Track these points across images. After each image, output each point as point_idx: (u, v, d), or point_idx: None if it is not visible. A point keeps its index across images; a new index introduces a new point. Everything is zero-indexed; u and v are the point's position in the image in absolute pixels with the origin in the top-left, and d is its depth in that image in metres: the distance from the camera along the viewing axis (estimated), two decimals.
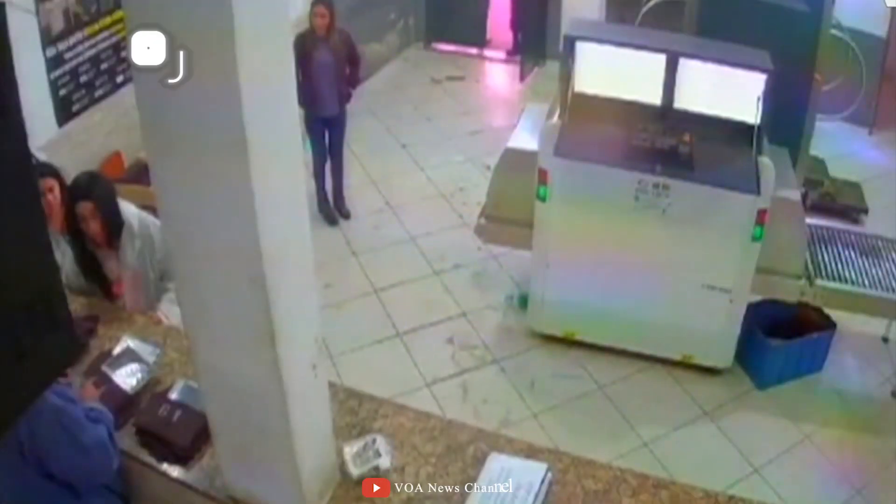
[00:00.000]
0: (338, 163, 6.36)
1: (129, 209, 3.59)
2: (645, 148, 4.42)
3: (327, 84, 5.90)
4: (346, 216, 6.38)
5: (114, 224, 3.51)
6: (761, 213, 4.37)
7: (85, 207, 3.43)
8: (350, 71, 6.11)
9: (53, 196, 3.53)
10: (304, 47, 5.66)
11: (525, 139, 4.83)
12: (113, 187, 3.63)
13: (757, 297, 4.83)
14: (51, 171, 3.62)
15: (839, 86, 7.06)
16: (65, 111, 5.29)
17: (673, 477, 3.55)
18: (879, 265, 4.88)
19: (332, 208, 6.37)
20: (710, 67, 4.41)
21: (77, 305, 3.43)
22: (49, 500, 2.58)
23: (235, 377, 2.41)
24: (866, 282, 4.73)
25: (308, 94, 5.71)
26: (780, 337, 4.83)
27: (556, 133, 4.49)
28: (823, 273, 4.75)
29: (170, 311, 3.51)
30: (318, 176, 6.28)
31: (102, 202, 3.46)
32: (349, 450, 2.74)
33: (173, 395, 2.95)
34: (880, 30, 7.26)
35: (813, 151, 6.07)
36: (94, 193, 3.45)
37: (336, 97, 6.02)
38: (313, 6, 5.79)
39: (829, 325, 4.92)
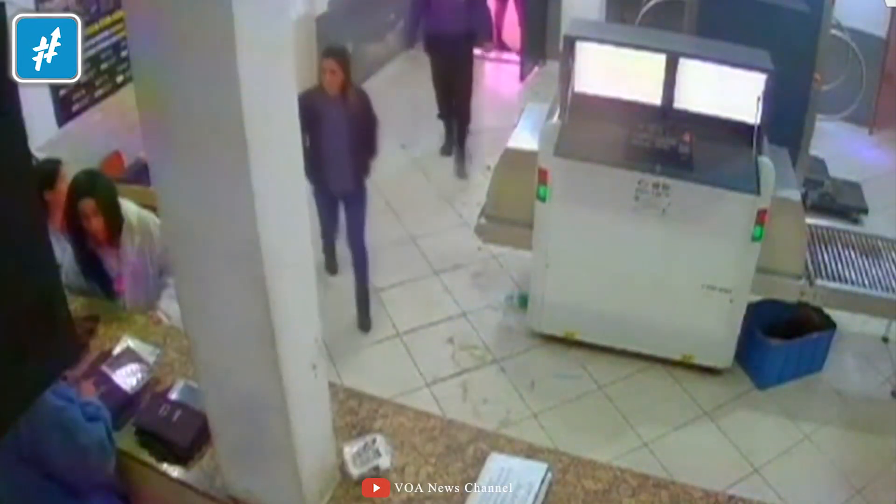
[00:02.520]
0: (359, 252, 5.21)
1: (127, 206, 3.60)
2: (645, 148, 4.42)
3: (340, 153, 4.83)
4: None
5: (115, 221, 3.51)
6: (761, 213, 4.37)
7: (87, 205, 3.43)
8: (367, 138, 5.00)
9: (65, 185, 3.53)
10: (312, 107, 4.47)
11: (525, 139, 4.82)
12: (113, 184, 3.64)
13: (757, 297, 4.83)
14: (59, 163, 3.65)
15: (839, 86, 7.06)
16: (65, 111, 5.29)
17: (673, 477, 3.55)
18: (879, 265, 4.88)
19: (336, 258, 5.56)
20: (710, 67, 4.41)
21: (77, 305, 3.43)
22: (49, 500, 2.58)
23: (235, 377, 2.41)
24: (866, 282, 4.73)
25: (315, 166, 4.56)
26: (780, 337, 4.83)
27: (556, 133, 4.49)
28: (823, 273, 4.75)
29: (169, 308, 3.51)
30: (327, 246, 5.48)
31: (104, 199, 3.47)
32: (349, 450, 2.74)
33: (173, 395, 2.95)
34: (880, 30, 7.25)
35: (813, 151, 6.09)
36: (95, 191, 3.46)
37: (351, 170, 4.93)
38: (322, 59, 4.79)
39: (829, 325, 4.92)
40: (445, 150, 7.12)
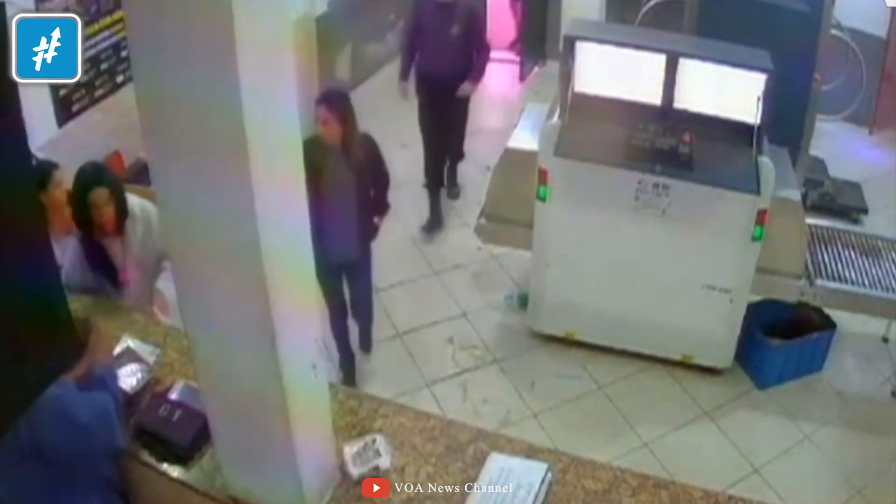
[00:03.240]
0: (364, 317, 4.79)
1: (129, 196, 3.66)
2: (645, 148, 4.42)
3: (342, 213, 4.12)
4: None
5: (124, 208, 3.57)
6: (761, 213, 4.37)
7: (101, 194, 3.47)
8: (375, 193, 4.37)
9: (61, 191, 3.55)
10: (308, 160, 3.61)
11: (525, 139, 4.83)
12: (116, 174, 3.72)
13: (757, 297, 4.83)
14: (53, 166, 3.67)
15: (839, 86, 7.06)
16: (65, 111, 5.28)
17: (673, 477, 3.55)
18: (879, 265, 4.88)
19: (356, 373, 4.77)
20: (710, 67, 4.40)
21: (77, 305, 3.43)
22: (49, 499, 2.58)
23: (235, 377, 2.41)
24: (866, 282, 4.73)
25: (314, 229, 3.93)
26: (780, 337, 4.83)
27: (556, 133, 4.49)
28: (823, 273, 4.75)
29: (167, 289, 3.56)
30: (341, 340, 4.70)
31: (115, 187, 3.53)
32: (349, 450, 2.74)
33: (173, 395, 2.96)
34: (880, 30, 7.25)
35: (813, 151, 6.08)
36: (105, 180, 3.51)
37: (354, 233, 4.28)
38: (315, 107, 4.03)
39: (829, 325, 4.92)
40: (429, 227, 6.13)
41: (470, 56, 5.81)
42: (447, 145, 6.23)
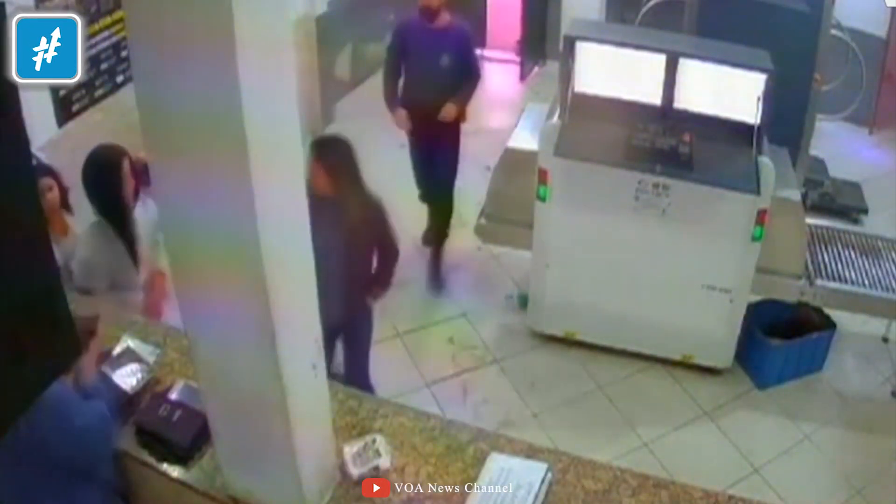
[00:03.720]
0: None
1: None
2: (645, 148, 4.42)
3: (333, 273, 3.18)
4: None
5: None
6: (761, 213, 4.37)
7: (128, 165, 3.51)
8: (379, 261, 3.86)
9: (53, 195, 3.56)
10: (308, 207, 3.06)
11: (525, 139, 4.83)
12: None
13: (757, 297, 4.83)
14: (49, 171, 3.65)
15: (839, 86, 7.06)
16: (65, 111, 5.28)
17: (673, 477, 3.55)
18: (879, 265, 4.89)
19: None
20: (710, 67, 4.41)
21: (77, 305, 3.42)
22: (49, 499, 2.58)
23: (235, 377, 2.41)
24: (866, 282, 4.74)
25: None
26: (780, 337, 4.84)
27: (556, 133, 4.50)
28: (823, 273, 4.76)
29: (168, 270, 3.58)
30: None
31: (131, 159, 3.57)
32: (349, 450, 2.74)
33: (173, 395, 2.95)
34: (880, 30, 7.26)
35: (813, 151, 6.08)
36: (125, 153, 3.53)
37: (347, 296, 3.65)
38: (308, 152, 3.54)
39: (829, 325, 4.92)
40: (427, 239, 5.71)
41: (458, 84, 5.19)
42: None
